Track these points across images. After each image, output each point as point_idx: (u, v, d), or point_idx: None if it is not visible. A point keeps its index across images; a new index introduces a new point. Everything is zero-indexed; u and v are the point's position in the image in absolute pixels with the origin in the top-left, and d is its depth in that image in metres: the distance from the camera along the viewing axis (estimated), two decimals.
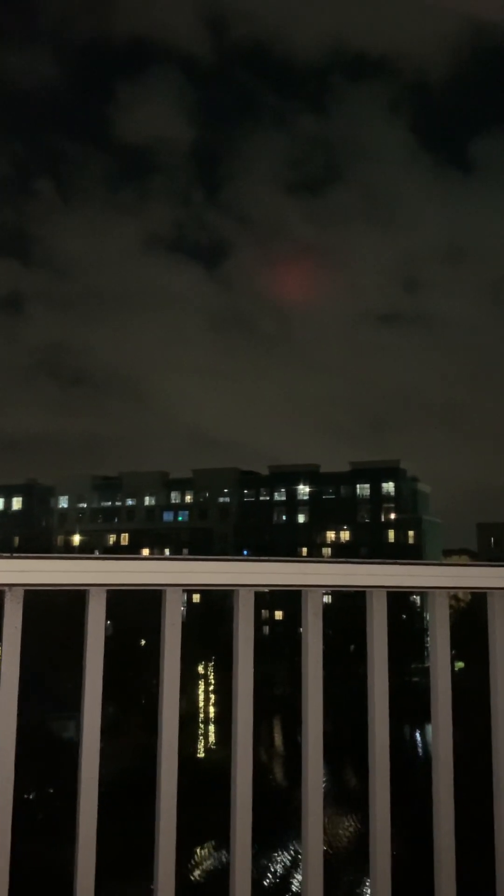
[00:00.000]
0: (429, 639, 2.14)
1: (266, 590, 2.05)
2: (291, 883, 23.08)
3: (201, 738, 39.71)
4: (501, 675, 2.14)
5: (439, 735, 2.08)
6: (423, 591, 2.13)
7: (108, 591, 1.88)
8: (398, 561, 2.08)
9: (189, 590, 1.98)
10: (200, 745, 38.88)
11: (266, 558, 1.96)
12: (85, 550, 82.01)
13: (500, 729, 2.13)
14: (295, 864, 23.18)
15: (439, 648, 2.10)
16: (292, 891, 22.72)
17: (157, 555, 2.10)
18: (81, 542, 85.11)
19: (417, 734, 34.37)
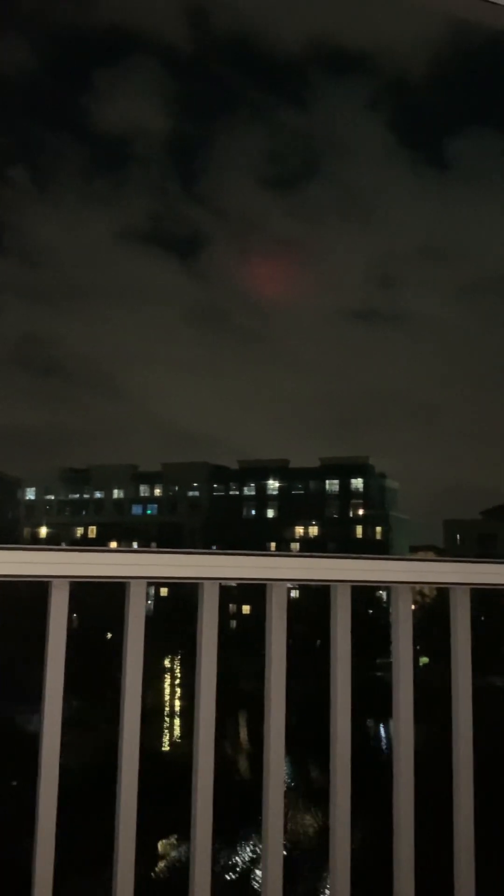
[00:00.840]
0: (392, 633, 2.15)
1: (231, 583, 2.05)
2: (253, 876, 23.16)
3: (166, 731, 39.72)
4: (462, 670, 2.16)
5: (400, 729, 2.10)
6: (387, 586, 2.14)
7: (71, 584, 1.87)
8: (362, 555, 2.09)
9: (153, 582, 1.97)
10: (165, 739, 38.88)
11: (230, 551, 1.96)
12: (52, 543, 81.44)
13: (460, 723, 2.15)
14: (257, 859, 23.27)
15: (402, 643, 2.12)
16: (253, 884, 22.81)
17: (122, 547, 2.09)
18: (49, 534, 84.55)
19: (382, 728, 34.65)
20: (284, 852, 2.05)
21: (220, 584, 1.99)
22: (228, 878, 22.99)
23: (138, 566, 1.92)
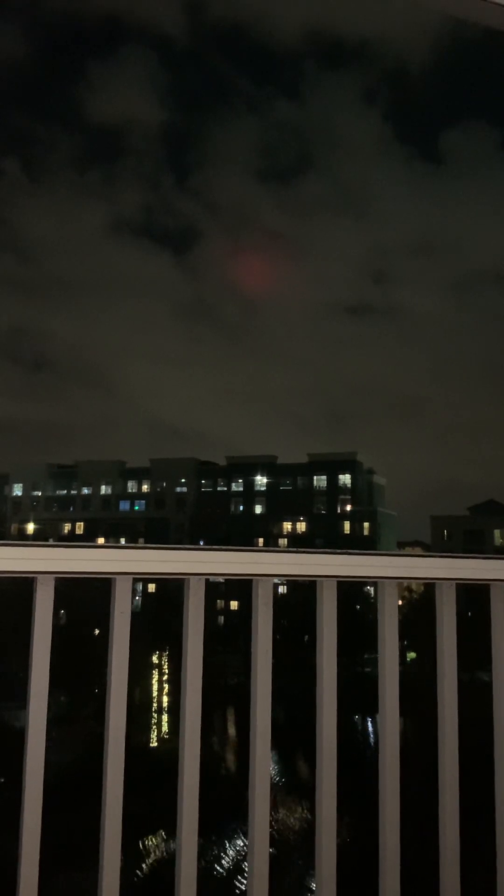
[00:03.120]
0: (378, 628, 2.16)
1: (217, 578, 2.04)
2: (240, 872, 23.20)
3: (154, 727, 39.73)
4: (448, 665, 2.17)
5: (386, 724, 2.10)
6: (374, 581, 2.14)
7: (56, 579, 1.86)
8: (348, 551, 2.09)
9: (139, 578, 1.96)
10: (153, 735, 38.88)
11: (217, 547, 1.96)
12: (39, 539, 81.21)
13: (445, 718, 2.15)
14: (244, 854, 23.29)
15: (387, 638, 2.12)
16: (239, 879, 22.85)
17: (109, 543, 2.09)
18: (36, 530, 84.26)
19: (369, 723, 34.78)
20: (271, 849, 2.05)
21: (206, 579, 1.99)
22: (215, 873, 23.02)
23: (124, 562, 1.92)
